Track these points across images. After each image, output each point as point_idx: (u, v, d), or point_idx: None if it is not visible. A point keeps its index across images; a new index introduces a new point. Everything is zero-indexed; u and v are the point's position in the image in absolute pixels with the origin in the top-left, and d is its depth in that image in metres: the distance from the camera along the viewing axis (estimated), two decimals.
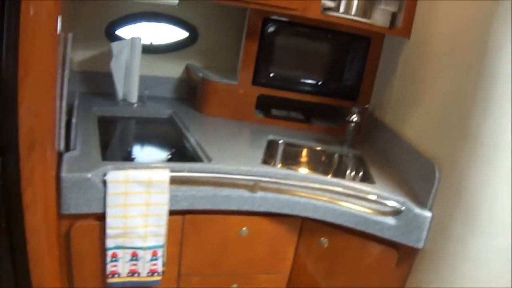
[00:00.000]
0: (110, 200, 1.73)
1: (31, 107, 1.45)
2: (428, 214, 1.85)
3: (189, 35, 2.73)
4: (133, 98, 2.55)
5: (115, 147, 2.23)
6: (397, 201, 1.91)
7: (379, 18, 2.24)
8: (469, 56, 1.73)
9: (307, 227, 2.07)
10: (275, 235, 2.06)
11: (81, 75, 2.62)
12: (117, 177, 1.73)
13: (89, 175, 1.69)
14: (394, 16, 2.27)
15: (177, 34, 2.73)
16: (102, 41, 2.58)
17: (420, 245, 1.89)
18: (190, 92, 2.77)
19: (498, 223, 1.69)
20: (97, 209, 1.74)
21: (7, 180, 1.51)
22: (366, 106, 2.51)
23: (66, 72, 1.72)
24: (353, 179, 2.35)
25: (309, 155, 2.50)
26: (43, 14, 1.38)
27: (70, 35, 1.78)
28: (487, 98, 1.63)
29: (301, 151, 2.50)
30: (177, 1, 2.11)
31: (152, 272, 1.88)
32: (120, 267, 1.84)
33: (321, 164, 2.49)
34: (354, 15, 2.23)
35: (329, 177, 2.13)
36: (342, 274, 2.08)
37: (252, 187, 1.92)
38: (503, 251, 1.72)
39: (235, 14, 2.71)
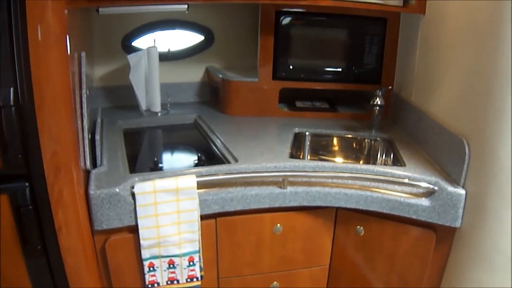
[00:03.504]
0: (140, 212, 1.75)
1: (52, 131, 1.46)
2: (462, 191, 1.81)
3: (205, 37, 2.73)
4: (157, 107, 2.57)
5: (142, 158, 2.24)
6: (429, 182, 1.87)
7: None
8: (487, 28, 1.68)
9: (341, 217, 2.05)
10: (310, 229, 2.05)
11: (103, 91, 2.65)
12: (145, 188, 1.74)
13: (117, 190, 1.71)
14: None
15: (193, 38, 2.73)
16: (120, 55, 2.60)
17: (457, 224, 1.85)
18: (213, 95, 2.78)
19: None
20: (129, 222, 1.76)
21: (37, 204, 1.53)
22: (389, 87, 2.46)
23: (84, 91, 1.73)
24: (384, 163, 2.33)
25: (338, 143, 2.47)
26: (51, 37, 1.39)
27: (83, 54, 1.79)
28: (508, 71, 1.58)
29: (329, 140, 2.47)
30: (186, 6, 2.11)
31: (191, 278, 1.90)
32: (159, 276, 1.86)
33: (350, 151, 2.46)
34: None
35: (358, 165, 2.10)
36: (382, 261, 2.05)
37: (281, 183, 1.92)
38: None
39: (248, 11, 2.70)
